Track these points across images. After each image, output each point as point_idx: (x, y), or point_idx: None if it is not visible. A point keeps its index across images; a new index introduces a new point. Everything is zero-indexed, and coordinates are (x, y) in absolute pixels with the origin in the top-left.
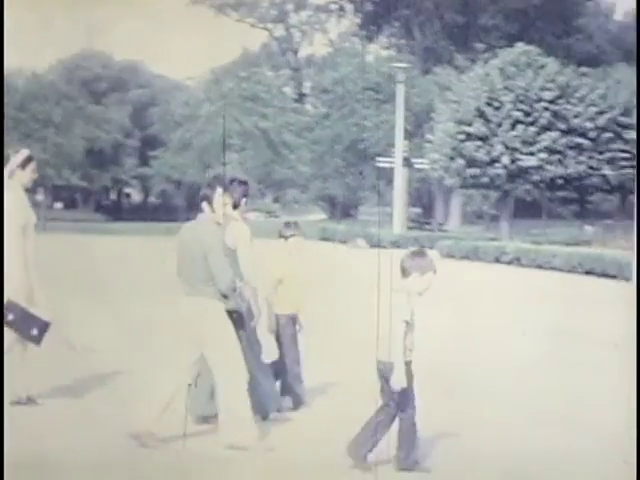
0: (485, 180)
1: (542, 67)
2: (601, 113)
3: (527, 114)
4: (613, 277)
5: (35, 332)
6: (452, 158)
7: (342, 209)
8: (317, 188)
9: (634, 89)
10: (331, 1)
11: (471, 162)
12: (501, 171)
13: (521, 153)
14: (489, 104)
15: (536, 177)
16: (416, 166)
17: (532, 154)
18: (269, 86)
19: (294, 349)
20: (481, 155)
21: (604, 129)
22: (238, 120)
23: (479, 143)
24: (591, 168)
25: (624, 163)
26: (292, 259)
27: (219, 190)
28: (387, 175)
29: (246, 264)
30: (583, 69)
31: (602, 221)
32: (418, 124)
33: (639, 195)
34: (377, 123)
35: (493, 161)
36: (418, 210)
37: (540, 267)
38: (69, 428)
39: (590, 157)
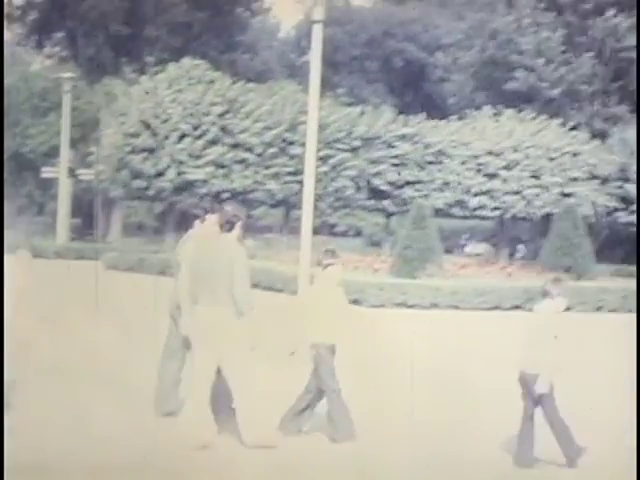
0: (151, 192)
1: (212, 82)
2: (267, 129)
3: (195, 128)
4: (280, 291)
5: None
6: (118, 170)
7: None
8: None
9: (299, 105)
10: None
11: (137, 174)
12: (167, 184)
13: (188, 166)
14: (157, 117)
15: (202, 190)
16: (81, 177)
17: (198, 167)
18: None
19: (334, 380)
20: (147, 167)
21: (270, 144)
22: None
23: (145, 155)
24: (256, 182)
25: (288, 178)
26: (333, 288)
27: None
28: (47, 185)
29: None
30: (250, 85)
31: (263, 235)
32: (84, 135)
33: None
34: (41, 132)
35: (159, 174)
36: (78, 221)
37: None
38: None
39: (256, 172)
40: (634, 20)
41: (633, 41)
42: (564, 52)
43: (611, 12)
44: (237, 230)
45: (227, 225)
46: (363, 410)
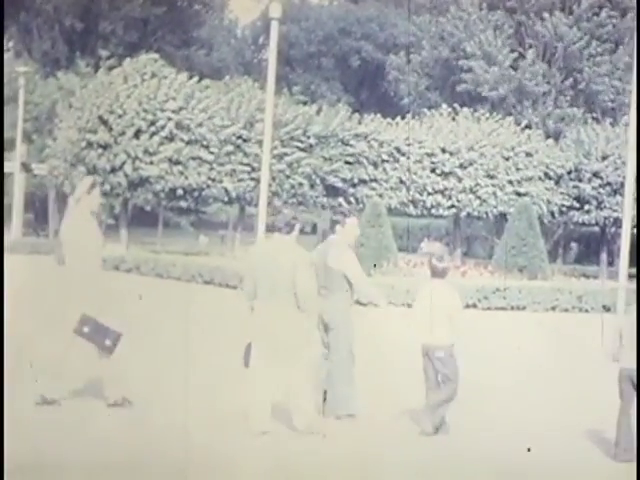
0: (106, 188)
1: (166, 77)
2: (223, 126)
3: (150, 123)
4: (234, 288)
5: (108, 342)
6: (73, 165)
7: None
8: None
9: (256, 103)
10: None
11: (92, 170)
12: (122, 179)
13: (143, 162)
14: (112, 112)
15: (157, 187)
16: (35, 172)
17: (153, 164)
18: None
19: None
20: (103, 163)
21: (225, 142)
22: None
23: (101, 151)
24: (211, 180)
25: (244, 176)
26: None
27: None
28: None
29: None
30: (206, 81)
31: (217, 232)
32: (38, 129)
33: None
34: None
35: (114, 169)
36: (31, 216)
37: (160, 276)
38: None
39: (211, 169)
40: (573, 19)
41: (574, 39)
42: (512, 51)
43: (547, 13)
44: (296, 231)
45: (286, 227)
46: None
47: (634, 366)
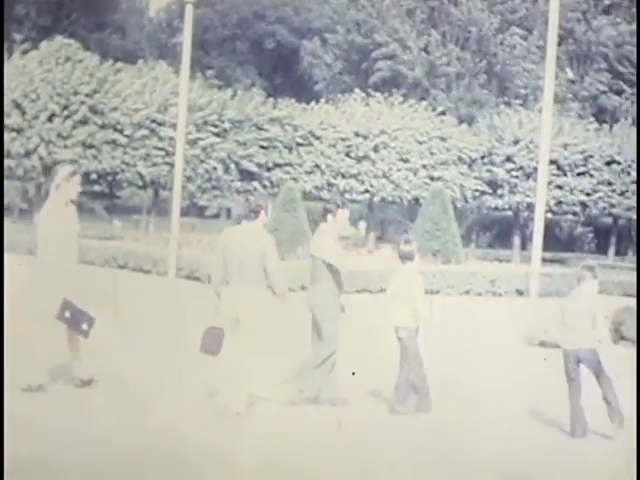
0: (20, 172)
1: (80, 61)
2: (137, 110)
3: (64, 107)
4: (148, 272)
5: (85, 327)
6: None
7: None
8: None
9: (170, 87)
10: None
11: (6, 154)
12: (36, 163)
13: (56, 146)
14: (26, 96)
15: None
16: None
17: (67, 147)
18: None
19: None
20: (16, 147)
21: (139, 125)
22: None
23: (14, 135)
24: (125, 164)
25: (158, 160)
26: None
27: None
28: None
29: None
30: (120, 65)
31: (131, 216)
32: None
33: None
34: None
35: (28, 153)
36: None
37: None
38: None
39: (125, 153)
40: (487, 3)
41: (487, 24)
42: (425, 35)
43: None
44: (262, 217)
45: (252, 214)
46: None
47: (578, 347)
